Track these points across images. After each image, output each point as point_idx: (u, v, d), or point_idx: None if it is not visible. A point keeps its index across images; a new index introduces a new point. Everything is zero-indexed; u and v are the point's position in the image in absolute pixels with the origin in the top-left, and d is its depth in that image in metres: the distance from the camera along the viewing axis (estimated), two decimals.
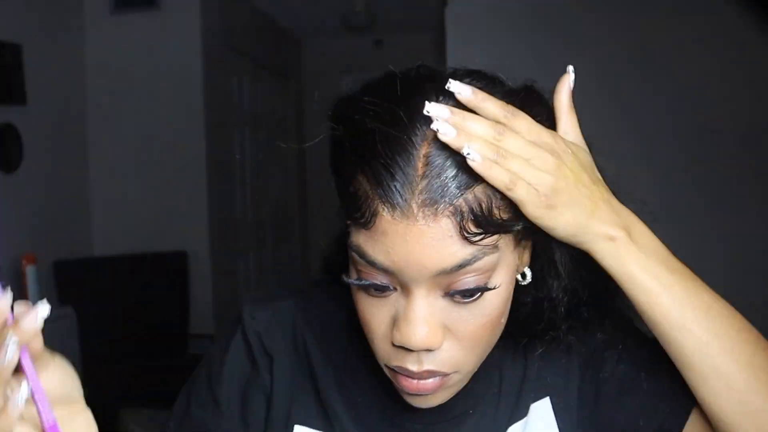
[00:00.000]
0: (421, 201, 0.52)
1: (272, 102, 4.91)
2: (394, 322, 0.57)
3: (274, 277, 4.85)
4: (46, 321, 0.44)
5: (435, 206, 0.52)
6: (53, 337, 2.58)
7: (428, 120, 0.53)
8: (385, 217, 0.53)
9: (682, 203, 2.83)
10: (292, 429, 0.68)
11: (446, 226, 0.52)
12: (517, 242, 0.58)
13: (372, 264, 0.55)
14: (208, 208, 3.77)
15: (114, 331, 3.26)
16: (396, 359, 0.58)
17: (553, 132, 0.57)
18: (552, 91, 0.60)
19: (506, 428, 0.68)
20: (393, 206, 0.52)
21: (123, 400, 2.86)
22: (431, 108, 0.52)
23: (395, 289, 0.56)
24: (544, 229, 0.55)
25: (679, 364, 0.58)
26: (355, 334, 0.67)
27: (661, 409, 0.64)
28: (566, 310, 0.62)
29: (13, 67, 3.01)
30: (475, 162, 0.51)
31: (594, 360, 0.68)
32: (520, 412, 0.68)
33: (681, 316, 0.56)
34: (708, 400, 0.58)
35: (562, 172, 0.54)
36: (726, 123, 3.11)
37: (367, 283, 0.56)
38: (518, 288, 0.62)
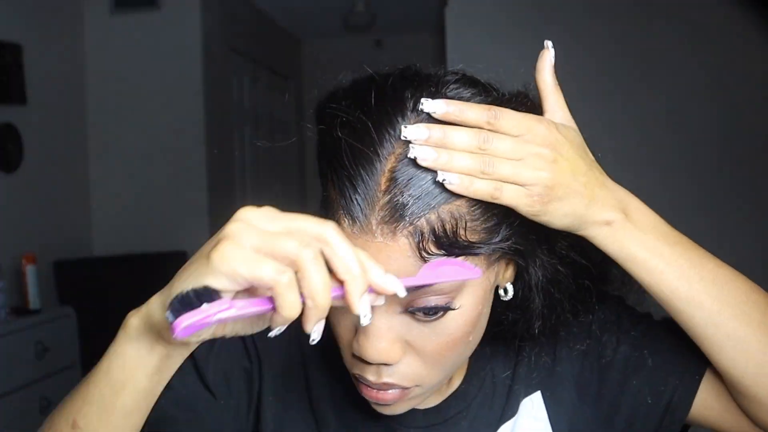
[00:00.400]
0: (381, 218, 0.50)
1: (272, 102, 4.91)
2: (356, 331, 0.56)
3: None
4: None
5: (394, 224, 0.50)
6: (53, 337, 2.58)
7: (397, 134, 0.51)
8: (346, 229, 0.52)
9: (682, 203, 2.83)
10: None
11: (403, 245, 0.51)
12: (491, 262, 0.56)
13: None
14: (208, 208, 3.77)
15: (114, 331, 3.25)
16: (357, 368, 0.57)
17: (544, 119, 0.54)
18: (533, 70, 0.58)
19: (497, 428, 0.68)
20: (353, 220, 0.51)
21: None
22: (407, 132, 0.50)
23: None
24: (541, 223, 0.54)
25: (693, 336, 0.58)
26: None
27: (670, 382, 0.64)
28: (552, 318, 0.61)
29: (13, 67, 3.01)
30: (453, 185, 0.49)
31: (592, 345, 0.67)
32: (510, 410, 0.68)
33: (689, 289, 0.56)
34: (727, 366, 0.57)
35: (558, 166, 0.52)
36: (728, 123, 3.11)
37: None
38: (502, 302, 0.61)
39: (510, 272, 0.60)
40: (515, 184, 0.51)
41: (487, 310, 0.59)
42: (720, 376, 0.61)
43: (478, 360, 0.68)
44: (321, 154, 0.56)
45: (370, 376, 0.57)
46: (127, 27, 3.65)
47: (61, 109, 3.47)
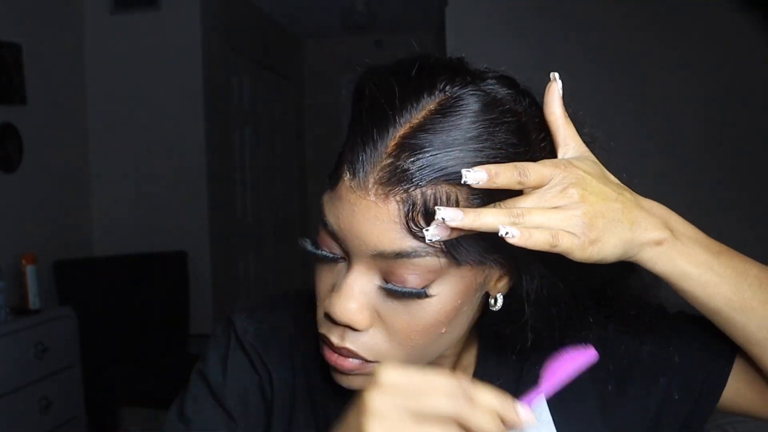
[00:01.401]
0: (378, 178, 0.52)
1: (272, 102, 4.91)
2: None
3: (274, 278, 4.85)
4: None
5: (389, 188, 0.51)
6: (53, 337, 2.59)
7: (423, 104, 0.53)
8: (345, 182, 0.53)
9: (681, 202, 2.83)
10: None
11: (393, 210, 0.52)
12: (478, 262, 0.55)
13: (324, 225, 0.56)
14: (208, 209, 3.77)
15: (114, 331, 3.26)
16: (324, 327, 0.58)
17: (560, 163, 0.53)
18: (541, 103, 0.57)
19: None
20: (353, 174, 0.53)
21: (123, 400, 2.86)
22: (443, 213, 0.48)
23: (343, 259, 0.57)
24: (597, 262, 0.52)
25: (745, 341, 0.58)
26: None
27: (698, 377, 0.64)
28: (548, 333, 0.61)
29: (13, 67, 3.01)
30: (515, 238, 0.48)
31: (607, 352, 0.65)
32: None
33: (741, 298, 0.56)
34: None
35: (588, 201, 0.51)
36: (727, 125, 3.11)
37: (318, 252, 0.57)
38: (498, 314, 0.60)
39: (504, 283, 0.59)
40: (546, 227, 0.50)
41: (468, 310, 0.58)
42: (751, 363, 0.62)
43: (485, 370, 0.68)
44: (350, 117, 0.58)
45: (334, 337, 0.57)
46: (127, 27, 3.65)
47: (61, 109, 3.48)
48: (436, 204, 0.51)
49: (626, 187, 0.56)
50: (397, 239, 0.52)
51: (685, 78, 3.18)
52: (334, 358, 0.58)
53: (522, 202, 0.51)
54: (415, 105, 0.53)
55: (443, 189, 0.52)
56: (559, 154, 0.56)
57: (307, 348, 0.68)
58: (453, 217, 0.48)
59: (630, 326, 0.66)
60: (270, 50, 4.88)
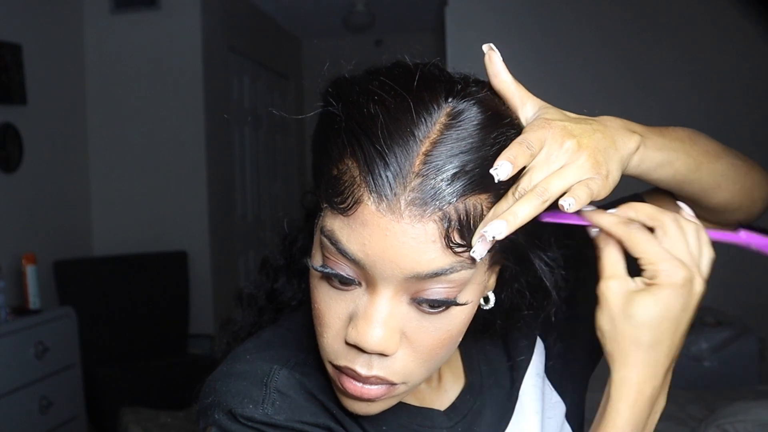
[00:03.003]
0: (411, 199, 0.50)
1: (272, 102, 4.91)
2: (351, 318, 0.54)
3: None
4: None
5: (424, 207, 0.50)
6: (53, 337, 2.58)
7: (435, 118, 0.51)
8: (369, 207, 0.50)
9: None
10: None
11: (431, 230, 0.50)
12: (491, 263, 0.56)
13: (343, 253, 0.52)
14: (208, 208, 3.77)
15: (114, 331, 3.26)
16: (345, 359, 0.55)
17: (539, 122, 0.54)
18: (486, 76, 0.57)
19: (516, 398, 0.70)
20: (380, 197, 0.50)
21: (123, 400, 2.86)
22: (491, 231, 0.49)
23: (360, 284, 0.54)
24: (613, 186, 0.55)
25: (698, 194, 0.66)
26: None
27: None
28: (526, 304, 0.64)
29: (13, 67, 3.01)
30: (572, 206, 0.50)
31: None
32: (519, 378, 0.71)
33: (694, 160, 0.63)
34: (715, 199, 0.67)
35: (583, 145, 0.53)
36: (723, 126, 3.11)
37: (332, 272, 0.53)
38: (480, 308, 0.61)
39: (493, 280, 0.60)
40: (574, 185, 0.52)
41: (473, 313, 0.59)
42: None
43: (469, 352, 0.70)
44: (336, 130, 0.54)
45: (360, 368, 0.54)
46: (127, 27, 3.65)
47: (61, 109, 3.48)
48: (468, 216, 0.51)
49: (584, 116, 0.57)
50: (435, 259, 0.51)
51: (686, 78, 3.19)
52: (358, 389, 0.55)
53: (533, 178, 0.51)
54: (429, 119, 0.51)
55: (470, 201, 0.51)
56: (521, 115, 0.56)
57: (314, 387, 0.63)
58: (500, 230, 0.49)
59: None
60: (270, 50, 4.88)
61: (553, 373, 0.72)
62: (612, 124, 0.57)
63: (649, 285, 0.52)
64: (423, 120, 0.51)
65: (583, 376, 0.75)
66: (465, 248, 0.51)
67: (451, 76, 0.56)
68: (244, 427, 0.58)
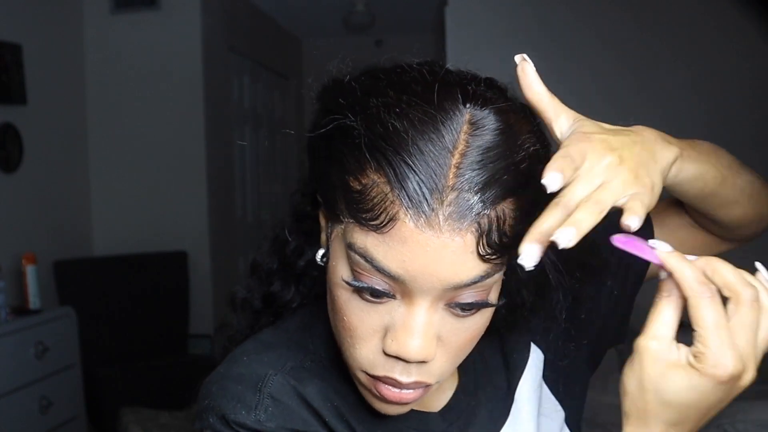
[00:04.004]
0: (449, 213, 0.50)
1: (272, 102, 4.91)
2: (387, 330, 0.55)
3: None
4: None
5: (461, 221, 0.50)
6: (53, 337, 2.58)
7: (459, 128, 0.51)
8: (407, 224, 0.50)
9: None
10: None
11: (470, 241, 0.51)
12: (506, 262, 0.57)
13: (380, 270, 0.52)
14: (208, 208, 3.77)
15: (114, 331, 3.26)
16: (383, 369, 0.56)
17: (578, 136, 0.53)
18: (518, 88, 0.56)
19: (513, 396, 0.70)
20: (418, 214, 0.50)
21: (123, 400, 2.86)
22: (563, 241, 0.47)
23: (394, 296, 0.54)
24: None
25: (719, 209, 0.67)
26: (338, 370, 0.64)
27: (627, 265, 0.72)
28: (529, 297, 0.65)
29: (13, 67, 3.01)
30: (635, 221, 0.48)
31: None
32: (518, 371, 0.71)
33: (720, 174, 0.64)
34: (731, 214, 0.68)
35: (624, 159, 0.51)
36: (724, 124, 3.11)
37: (366, 286, 0.53)
38: None
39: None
40: (629, 202, 0.50)
41: None
42: (671, 231, 0.73)
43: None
44: (354, 144, 0.53)
45: (400, 375, 0.55)
46: (127, 27, 3.65)
47: (61, 109, 3.48)
48: (500, 223, 0.51)
49: (621, 127, 0.56)
50: (473, 268, 0.52)
51: (687, 78, 3.19)
52: (396, 394, 0.56)
53: (577, 189, 0.49)
54: (454, 130, 0.51)
55: (504, 208, 0.52)
56: (556, 128, 0.55)
57: (310, 390, 0.63)
58: (570, 237, 0.47)
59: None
60: (270, 50, 4.88)
61: (552, 382, 0.72)
62: (649, 135, 0.55)
63: (691, 366, 0.47)
64: (449, 131, 0.51)
65: (582, 383, 0.75)
66: (498, 254, 0.52)
67: (460, 77, 0.56)
68: None
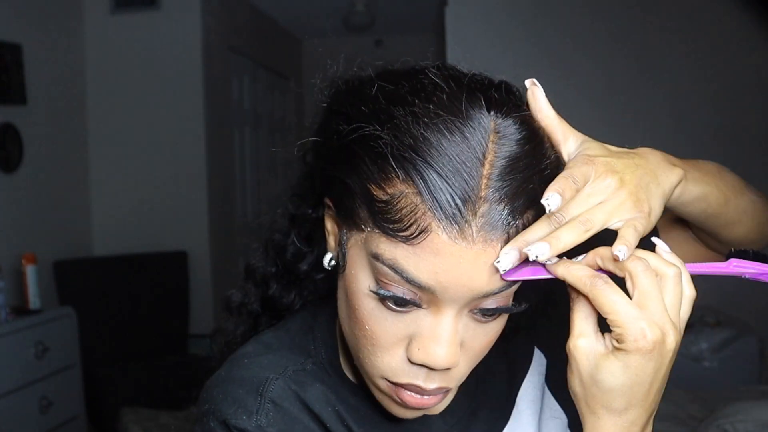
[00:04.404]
0: (481, 225, 0.50)
1: (272, 102, 4.91)
2: (412, 338, 0.55)
3: None
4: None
5: (494, 232, 0.50)
6: (53, 337, 2.59)
7: (486, 138, 0.51)
8: (440, 236, 0.50)
9: None
10: None
11: (499, 251, 0.51)
12: None
13: (411, 281, 0.52)
14: (208, 208, 3.77)
15: (114, 331, 3.26)
16: (407, 376, 0.56)
17: (582, 157, 0.54)
18: (528, 108, 0.57)
19: (514, 398, 0.70)
20: (451, 225, 0.50)
21: (123, 399, 2.86)
22: (534, 250, 0.49)
23: (420, 305, 0.54)
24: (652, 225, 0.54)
25: (721, 229, 0.67)
26: (339, 373, 0.64)
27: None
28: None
29: (13, 67, 3.01)
30: (624, 251, 0.49)
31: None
32: (521, 372, 0.71)
33: (723, 194, 0.64)
34: (734, 233, 0.68)
35: (625, 182, 0.52)
36: (732, 122, 3.11)
37: (392, 295, 0.53)
38: None
39: None
40: (622, 228, 0.51)
41: None
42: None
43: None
44: (379, 153, 0.52)
45: (425, 382, 0.56)
46: (127, 27, 3.65)
47: (61, 109, 3.48)
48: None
49: (625, 148, 0.57)
50: (494, 279, 0.52)
51: (690, 77, 3.18)
52: (417, 400, 0.57)
53: (571, 208, 0.51)
54: (482, 141, 0.51)
55: (528, 216, 0.52)
56: (563, 150, 0.56)
57: (309, 395, 0.63)
58: (543, 251, 0.49)
59: None
60: (270, 50, 4.88)
61: (556, 386, 0.72)
62: (653, 158, 0.56)
63: (617, 349, 0.49)
64: (477, 141, 0.51)
65: None
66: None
67: (481, 83, 0.56)
68: None
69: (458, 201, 0.50)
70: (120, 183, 3.69)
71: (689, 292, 0.52)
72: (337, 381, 0.64)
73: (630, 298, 0.49)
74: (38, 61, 3.18)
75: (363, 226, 0.54)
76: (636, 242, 0.50)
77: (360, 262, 0.55)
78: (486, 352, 0.58)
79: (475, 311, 0.54)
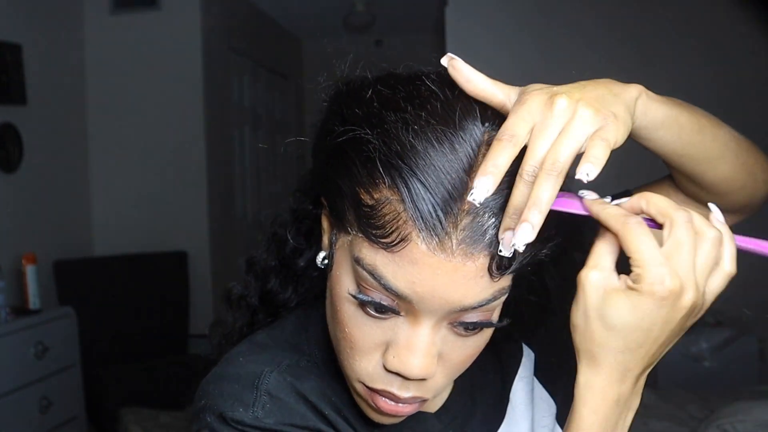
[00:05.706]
0: (462, 238, 0.49)
1: (272, 102, 4.91)
2: (389, 346, 0.54)
3: None
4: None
5: (474, 246, 0.49)
6: (53, 337, 2.59)
7: (476, 151, 0.50)
8: (419, 246, 0.49)
9: None
10: None
11: (481, 265, 0.50)
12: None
13: (388, 289, 0.51)
14: (208, 208, 3.77)
15: (114, 331, 3.26)
16: (382, 382, 0.56)
17: (521, 96, 0.51)
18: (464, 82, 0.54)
19: (507, 398, 0.70)
20: (431, 236, 0.49)
21: (123, 399, 2.86)
22: (519, 242, 0.47)
23: (399, 313, 0.53)
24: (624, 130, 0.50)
25: (701, 164, 0.61)
26: (333, 371, 0.64)
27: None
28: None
29: (13, 67, 3.01)
30: (591, 174, 0.46)
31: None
32: (511, 373, 0.71)
33: (696, 120, 0.59)
34: (719, 172, 0.63)
35: (576, 97, 0.49)
36: (732, 121, 3.11)
37: (371, 300, 0.53)
38: None
39: None
40: (588, 144, 0.48)
41: None
42: None
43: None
44: (368, 157, 0.51)
45: (398, 390, 0.55)
46: (127, 27, 3.65)
47: (61, 109, 3.48)
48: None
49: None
50: (482, 291, 0.51)
51: (690, 77, 3.18)
52: (392, 407, 0.56)
53: (536, 149, 0.47)
54: (471, 153, 0.50)
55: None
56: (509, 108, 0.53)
57: (309, 391, 0.63)
58: (528, 235, 0.46)
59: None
60: (270, 50, 4.88)
61: (544, 377, 0.72)
62: (602, 80, 0.53)
63: (630, 288, 0.47)
64: (467, 153, 0.50)
65: (574, 371, 0.75)
66: (506, 275, 0.51)
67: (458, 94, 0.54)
68: (235, 431, 0.58)
69: (440, 212, 0.49)
70: (120, 183, 3.69)
71: (728, 268, 0.49)
72: (332, 377, 0.64)
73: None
74: (38, 61, 3.18)
75: (349, 229, 0.53)
76: (606, 154, 0.46)
77: (345, 265, 0.55)
78: (467, 365, 0.58)
79: (456, 324, 0.53)
